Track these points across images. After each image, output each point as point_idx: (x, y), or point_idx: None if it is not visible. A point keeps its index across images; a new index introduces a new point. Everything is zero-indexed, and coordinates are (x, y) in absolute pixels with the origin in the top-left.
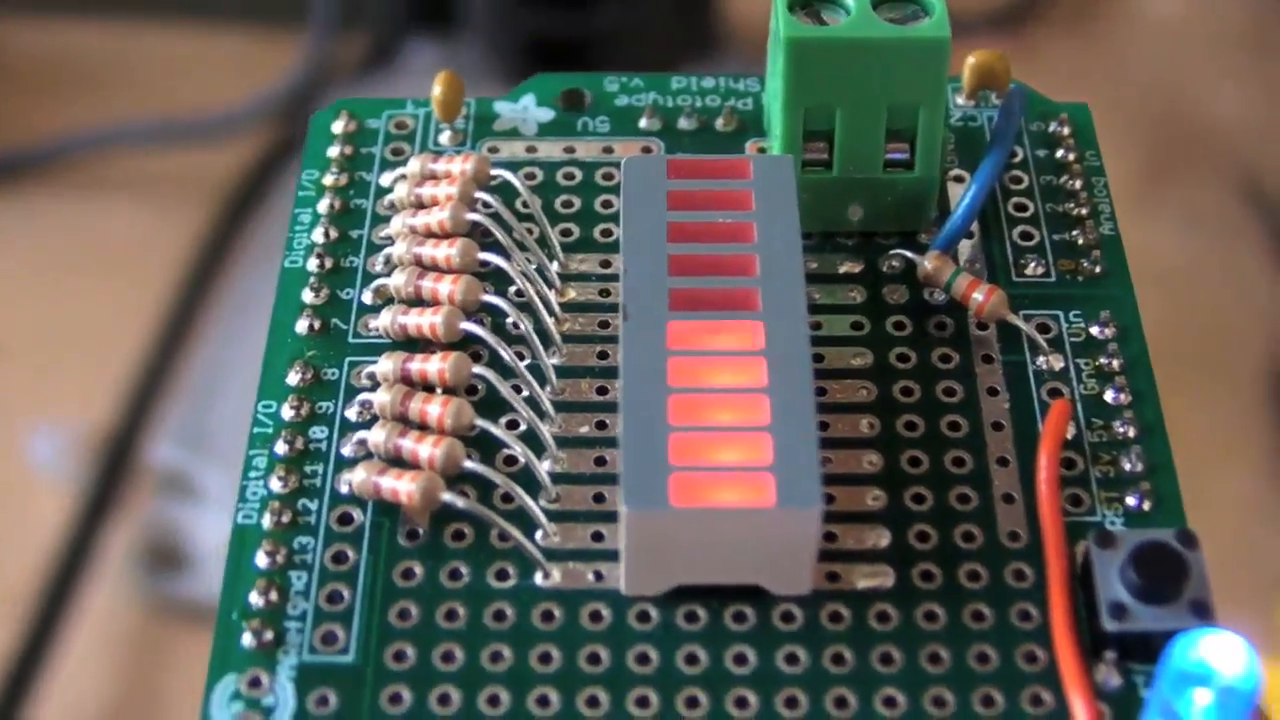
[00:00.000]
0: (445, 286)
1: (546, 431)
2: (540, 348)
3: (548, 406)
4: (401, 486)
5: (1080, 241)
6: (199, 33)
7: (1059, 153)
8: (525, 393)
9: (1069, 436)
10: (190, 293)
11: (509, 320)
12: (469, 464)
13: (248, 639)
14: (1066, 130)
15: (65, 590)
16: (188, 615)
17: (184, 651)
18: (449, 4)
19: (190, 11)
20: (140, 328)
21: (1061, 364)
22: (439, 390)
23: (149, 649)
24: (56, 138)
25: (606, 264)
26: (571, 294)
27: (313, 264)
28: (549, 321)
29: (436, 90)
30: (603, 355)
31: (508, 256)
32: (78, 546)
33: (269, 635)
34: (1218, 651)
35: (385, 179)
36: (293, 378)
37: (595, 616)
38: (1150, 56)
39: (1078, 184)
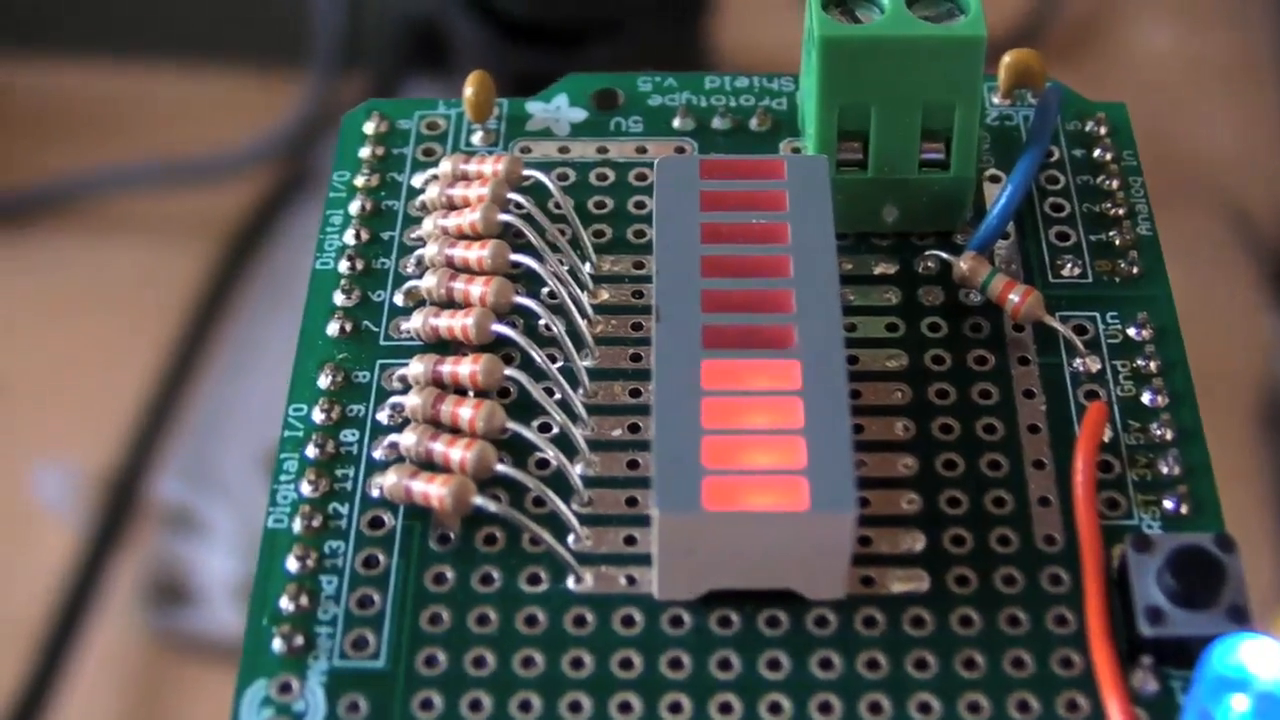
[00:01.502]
0: (477, 288)
1: (579, 435)
2: (573, 350)
3: (580, 409)
4: (433, 490)
5: (1117, 242)
6: (201, 73)
7: (1096, 152)
8: (557, 395)
9: (1106, 439)
10: (194, 331)
11: (541, 322)
12: (501, 467)
13: (278, 644)
14: (1103, 130)
15: (71, 625)
16: (193, 649)
17: (190, 685)
18: (445, 44)
19: (192, 52)
20: (144, 366)
21: (1098, 366)
22: (470, 393)
23: (155, 683)
24: (59, 179)
25: (639, 265)
26: (604, 296)
27: (344, 266)
28: (581, 323)
29: (468, 91)
30: (635, 358)
31: (540, 258)
32: (83, 582)
33: (299, 640)
34: (1255, 657)
35: (417, 180)
36: (323, 380)
37: (628, 621)
38: (1140, 87)
39: (1114, 184)
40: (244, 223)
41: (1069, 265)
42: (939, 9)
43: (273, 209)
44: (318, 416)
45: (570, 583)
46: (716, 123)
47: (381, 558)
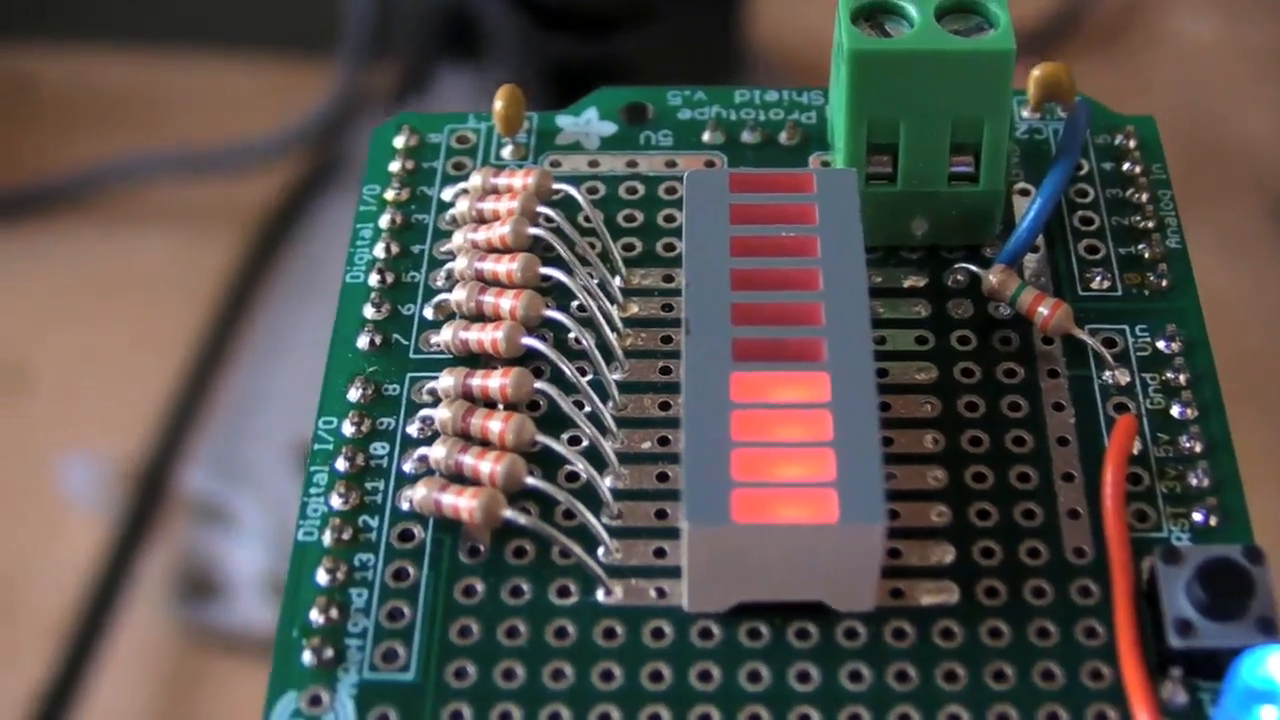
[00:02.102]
0: (507, 302)
1: (609, 447)
2: (602, 363)
3: (610, 422)
4: (463, 504)
5: (1146, 255)
6: (230, 62)
7: (1125, 165)
8: (587, 408)
9: (1135, 452)
10: (223, 321)
11: (571, 335)
12: (531, 480)
13: (308, 656)
14: (1132, 143)
15: (100, 618)
16: (223, 643)
17: (219, 679)
18: (476, 33)
19: (221, 41)
20: (173, 356)
21: (1127, 378)
22: (500, 406)
23: (184, 677)
24: (87, 168)
25: (669, 278)
26: (634, 309)
27: (374, 279)
28: (611, 337)
29: (498, 105)
30: (665, 370)
31: (570, 271)
32: (112, 575)
33: (329, 653)
34: None
35: (447, 194)
36: (353, 393)
37: (657, 634)
38: (1181, 78)
39: (1144, 197)
40: (273, 212)
41: (1098, 278)
42: (968, 23)
43: (302, 198)
44: (348, 430)
45: (600, 595)
46: (746, 136)
47: (411, 570)
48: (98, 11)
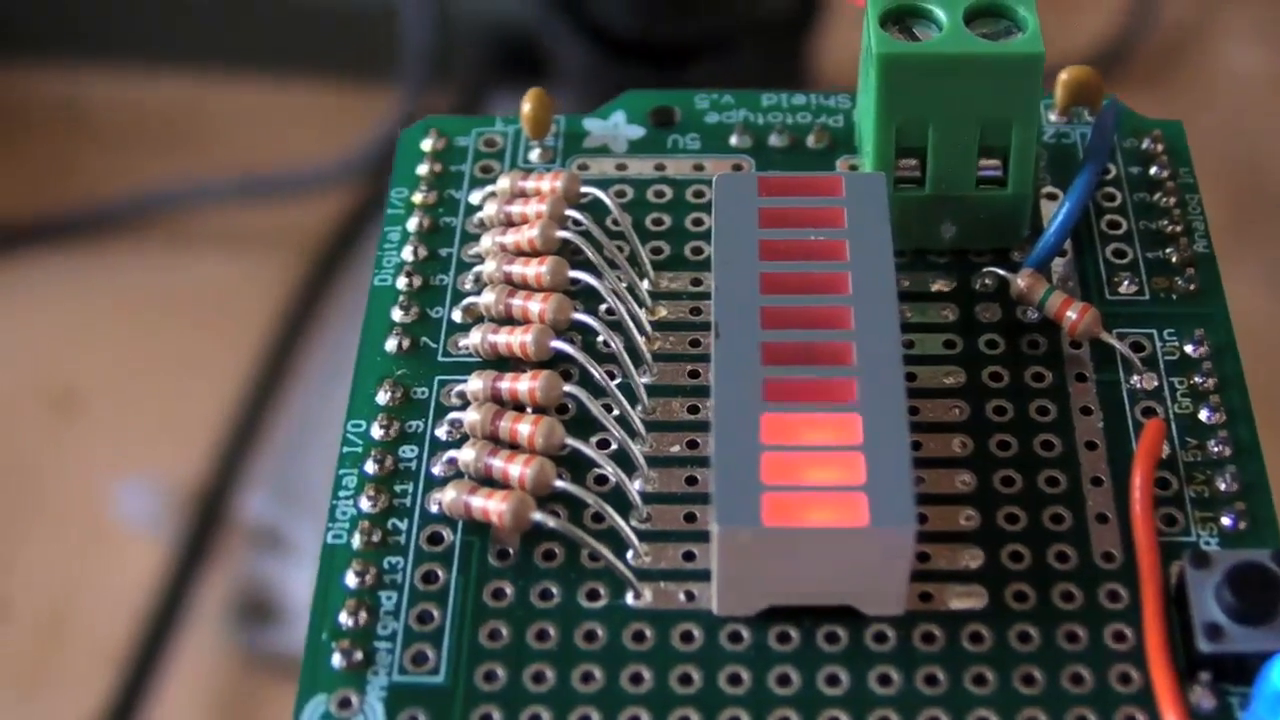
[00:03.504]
0: (536, 305)
1: (638, 451)
2: (631, 366)
3: (639, 425)
4: (492, 506)
5: (1174, 259)
6: (288, 85)
7: (1152, 170)
8: (616, 412)
9: (1163, 456)
10: (279, 346)
11: (599, 339)
12: (560, 483)
13: (337, 659)
14: (1160, 147)
15: (158, 644)
16: (280, 668)
17: (277, 704)
18: (538, 57)
19: (279, 65)
20: (230, 381)
21: (1155, 383)
22: (528, 409)
23: (242, 702)
24: (143, 191)
25: (697, 282)
26: (662, 312)
27: (401, 282)
28: (639, 340)
29: (526, 107)
30: (694, 374)
31: (598, 274)
32: (170, 600)
33: (359, 655)
34: None
35: (474, 197)
36: (382, 396)
37: (687, 637)
38: (1232, 109)
39: (1171, 201)
40: (330, 237)
41: (1126, 282)
42: (997, 26)
43: (358, 223)
44: (376, 432)
45: (629, 598)
46: (774, 140)
47: (440, 573)
48: (153, 34)
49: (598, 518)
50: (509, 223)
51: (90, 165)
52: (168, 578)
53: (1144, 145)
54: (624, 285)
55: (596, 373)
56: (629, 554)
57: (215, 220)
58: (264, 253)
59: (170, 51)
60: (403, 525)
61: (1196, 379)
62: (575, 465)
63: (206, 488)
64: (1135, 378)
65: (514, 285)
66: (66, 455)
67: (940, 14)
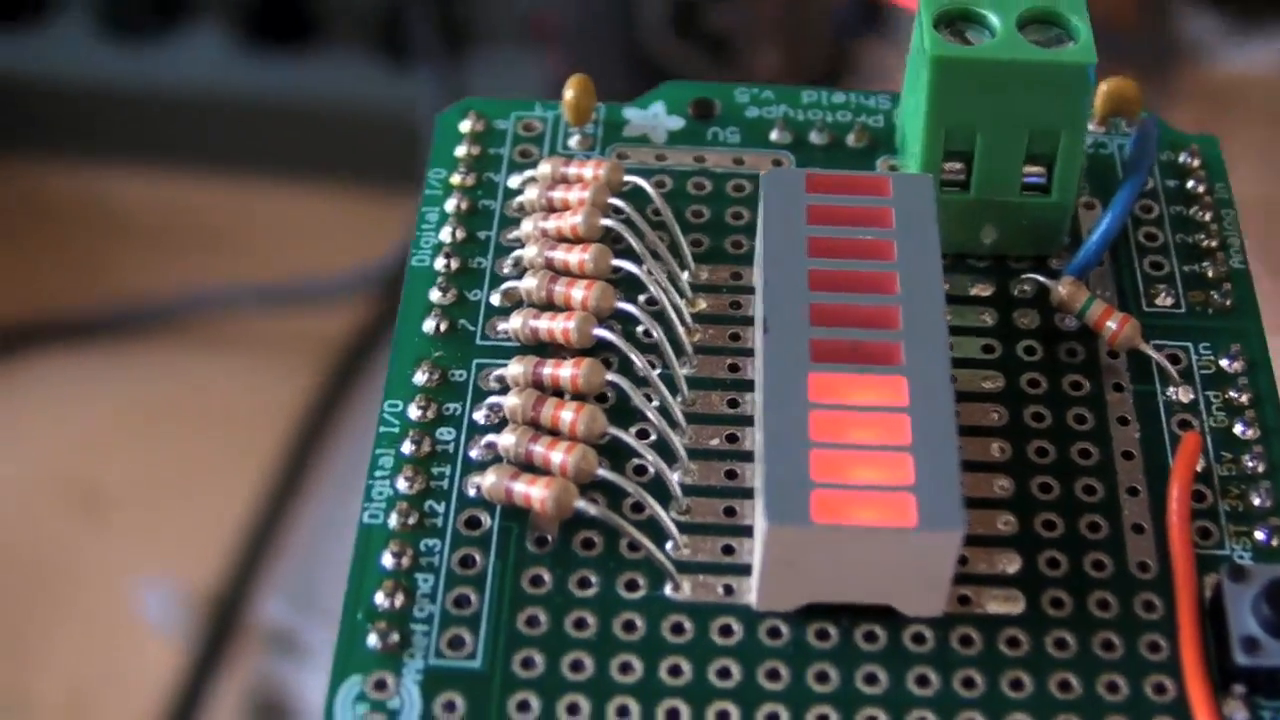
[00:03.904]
0: (579, 292)
1: (678, 442)
2: (673, 357)
3: (679, 416)
4: (534, 493)
5: (1210, 274)
6: (314, 193)
7: (1189, 184)
8: (655, 402)
9: (1199, 469)
10: (299, 450)
11: (640, 328)
12: (602, 472)
13: (373, 639)
14: (1196, 162)
15: None
16: None
17: None
18: None
19: (305, 172)
20: (249, 484)
21: (1191, 396)
22: (568, 396)
23: None
24: (168, 295)
25: (737, 276)
26: (702, 304)
27: (440, 263)
28: (680, 331)
29: (569, 94)
30: (734, 368)
31: (640, 264)
32: (187, 700)
33: (395, 638)
34: None
35: (513, 181)
36: (420, 377)
37: (725, 630)
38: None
39: (1207, 216)
40: (348, 345)
41: (1162, 295)
42: (1048, 34)
43: (375, 333)
44: (414, 413)
45: (668, 590)
46: (814, 137)
47: (478, 558)
48: (185, 137)
49: (636, 508)
50: (550, 208)
51: (118, 265)
52: (185, 677)
53: (1180, 159)
54: (664, 276)
55: (639, 362)
56: (668, 545)
57: (237, 325)
58: (284, 359)
59: (200, 155)
60: (440, 508)
61: (1231, 393)
62: (613, 454)
63: (224, 590)
64: (1171, 390)
65: (556, 271)
66: (89, 553)
67: (994, 19)
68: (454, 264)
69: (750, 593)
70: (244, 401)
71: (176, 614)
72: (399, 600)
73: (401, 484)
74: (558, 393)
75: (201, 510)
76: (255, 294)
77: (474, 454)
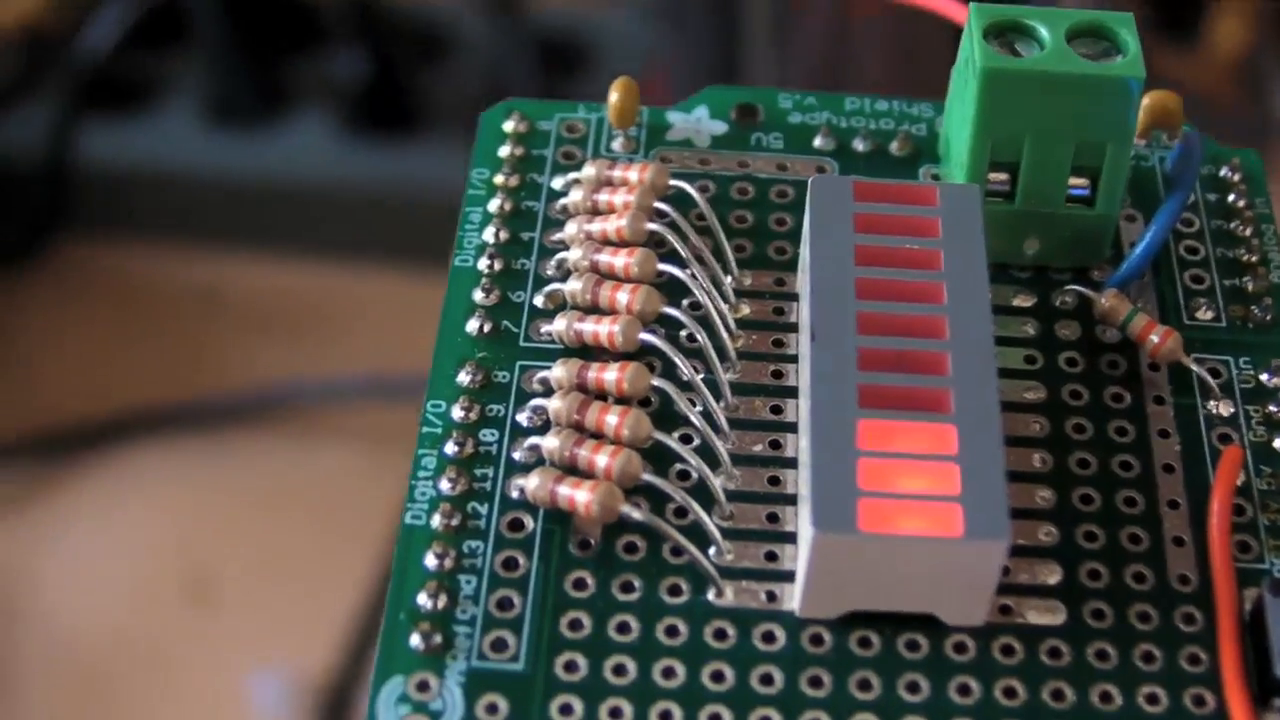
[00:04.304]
0: (624, 296)
1: (722, 448)
2: (717, 362)
3: (723, 422)
4: (579, 496)
5: (1250, 288)
6: (421, 281)
7: (1229, 198)
8: (698, 407)
9: (1238, 483)
10: None
11: (684, 333)
12: (647, 476)
13: (416, 640)
14: (1237, 176)
15: None
16: None
17: None
18: None
19: (414, 260)
20: (358, 574)
21: (1231, 410)
22: (611, 399)
23: None
24: (276, 384)
25: (781, 282)
26: (745, 310)
27: (483, 264)
28: (725, 336)
29: (614, 96)
30: (777, 374)
31: (685, 268)
32: None
33: (438, 639)
34: None
35: (557, 182)
36: (463, 378)
37: (768, 637)
38: None
39: (1248, 230)
40: None
41: (1203, 308)
42: (1097, 47)
43: None
44: (457, 414)
45: (710, 595)
46: (857, 144)
47: (521, 560)
48: (290, 225)
49: (679, 513)
50: (595, 211)
51: (225, 352)
52: None
53: (1221, 173)
54: (709, 280)
55: (685, 367)
56: (711, 550)
57: (344, 414)
58: (391, 447)
59: (306, 243)
60: (483, 509)
61: (1272, 408)
62: (656, 458)
63: (334, 680)
64: (1212, 404)
65: (600, 274)
66: (198, 643)
67: (1043, 31)
68: (497, 265)
69: (793, 599)
70: (352, 490)
71: (286, 704)
72: (441, 601)
73: (444, 485)
74: (601, 396)
75: (311, 600)
76: (362, 385)
77: (517, 456)
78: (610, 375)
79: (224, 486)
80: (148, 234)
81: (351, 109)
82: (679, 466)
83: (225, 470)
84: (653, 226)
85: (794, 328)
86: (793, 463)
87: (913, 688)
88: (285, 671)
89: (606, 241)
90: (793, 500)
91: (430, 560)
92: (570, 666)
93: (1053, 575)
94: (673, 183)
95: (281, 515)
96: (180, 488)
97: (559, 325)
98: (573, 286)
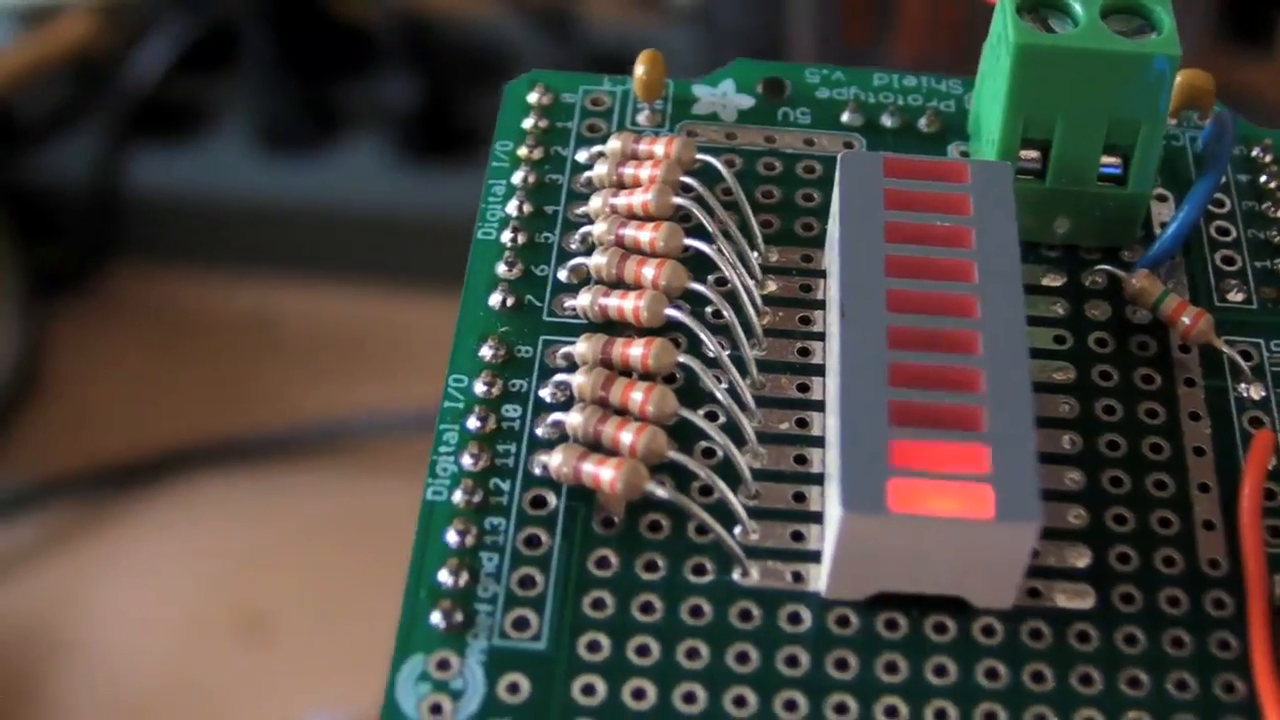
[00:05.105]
0: (650, 270)
1: (748, 425)
2: (743, 338)
3: (749, 399)
4: (604, 474)
5: None
6: None
7: (1261, 179)
8: (724, 384)
9: (1270, 466)
10: None
11: (709, 309)
12: (673, 454)
13: (437, 618)
14: (1268, 157)
15: None
16: None
17: None
18: None
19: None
20: None
21: (1262, 393)
22: (636, 375)
23: None
24: (332, 417)
25: (808, 258)
26: (771, 286)
27: (506, 237)
28: (751, 312)
29: (640, 69)
30: (804, 352)
31: (711, 243)
32: None
33: (459, 617)
34: None
35: (582, 155)
36: (485, 352)
37: (794, 618)
38: None
39: (1279, 212)
40: None
41: (1234, 290)
42: (1131, 24)
43: None
44: (479, 389)
45: (736, 575)
46: (885, 120)
47: (544, 538)
48: (343, 253)
49: (704, 491)
50: (620, 184)
51: (279, 382)
52: None
53: (1253, 153)
54: (735, 256)
55: (711, 343)
56: (736, 530)
57: (400, 446)
58: None
59: (360, 271)
60: (505, 486)
61: None
62: (681, 436)
63: None
64: (1243, 386)
65: (626, 249)
66: (254, 678)
67: (1077, 8)
68: (520, 238)
69: (820, 580)
70: (407, 524)
71: None
72: (463, 579)
73: (466, 460)
74: (626, 372)
75: (367, 635)
76: (416, 415)
77: (540, 432)
78: (635, 351)
79: (276, 520)
80: (198, 262)
81: (404, 133)
82: (704, 444)
83: (278, 504)
84: (679, 201)
85: (821, 304)
86: (819, 441)
87: (940, 671)
88: (339, 710)
89: (632, 215)
90: (819, 479)
91: (452, 536)
92: (593, 646)
93: (1082, 558)
94: (699, 157)
95: (335, 550)
96: (232, 522)
97: (583, 300)
98: (597, 261)
